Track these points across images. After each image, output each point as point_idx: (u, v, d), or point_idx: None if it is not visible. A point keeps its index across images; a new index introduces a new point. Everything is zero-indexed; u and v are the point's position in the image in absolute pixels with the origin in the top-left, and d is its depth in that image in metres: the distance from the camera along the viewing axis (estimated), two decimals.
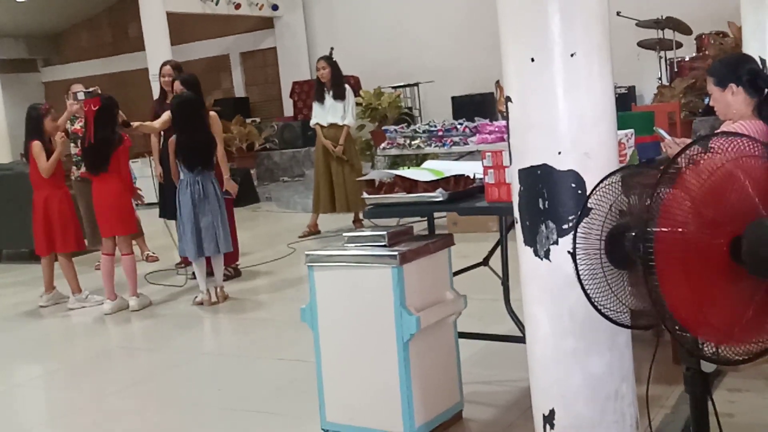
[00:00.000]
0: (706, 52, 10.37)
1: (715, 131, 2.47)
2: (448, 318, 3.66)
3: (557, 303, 2.59)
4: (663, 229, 2.07)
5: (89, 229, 7.89)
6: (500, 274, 3.99)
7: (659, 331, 2.73)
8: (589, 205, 2.30)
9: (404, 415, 3.40)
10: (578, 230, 2.30)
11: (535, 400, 2.74)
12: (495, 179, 3.55)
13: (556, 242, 2.55)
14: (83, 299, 6.91)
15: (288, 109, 14.99)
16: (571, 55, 2.48)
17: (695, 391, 2.42)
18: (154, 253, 8.66)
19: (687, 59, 10.61)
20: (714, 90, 3.78)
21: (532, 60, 2.50)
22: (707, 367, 2.35)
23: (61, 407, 4.81)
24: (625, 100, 9.96)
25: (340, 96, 8.71)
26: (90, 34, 17.88)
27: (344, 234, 3.64)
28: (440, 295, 3.61)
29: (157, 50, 11.86)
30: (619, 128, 2.82)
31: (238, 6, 14.04)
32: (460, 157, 6.63)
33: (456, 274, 3.84)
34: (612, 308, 2.31)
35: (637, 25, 10.56)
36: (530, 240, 2.61)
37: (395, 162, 9.10)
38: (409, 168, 4.40)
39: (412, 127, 6.66)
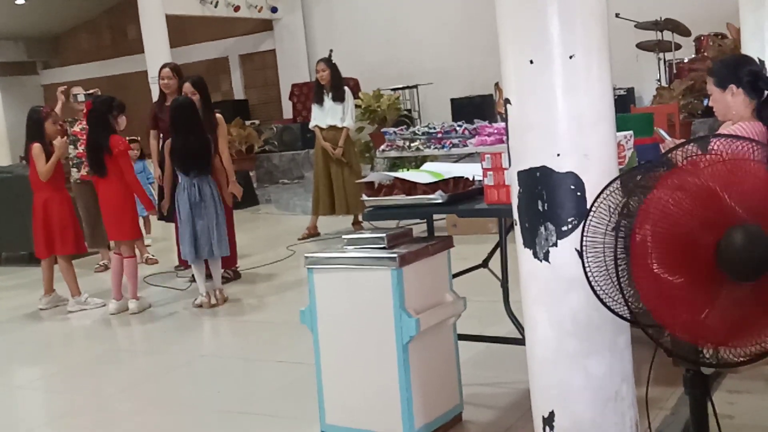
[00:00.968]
0: (705, 54, 10.38)
1: (714, 132, 2.48)
2: (448, 320, 3.65)
3: (557, 305, 2.59)
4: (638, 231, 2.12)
5: (89, 231, 7.89)
6: (500, 275, 3.99)
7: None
8: (597, 202, 2.31)
9: (404, 417, 3.40)
10: (587, 225, 2.30)
11: (534, 402, 2.74)
12: (494, 181, 3.55)
13: (555, 244, 2.55)
14: (83, 302, 6.90)
15: (287, 112, 15.00)
16: (570, 57, 2.48)
17: (695, 392, 2.42)
18: (153, 255, 8.66)
19: (686, 61, 10.62)
20: (714, 90, 3.77)
21: (531, 62, 2.50)
22: (707, 368, 2.36)
23: (61, 409, 4.81)
24: (624, 101, 9.98)
25: (339, 98, 8.72)
26: (89, 37, 17.89)
27: (344, 236, 3.63)
28: (440, 297, 3.61)
29: (157, 53, 11.86)
30: (618, 130, 2.82)
31: (237, 8, 14.05)
32: (460, 159, 6.62)
33: (455, 276, 3.84)
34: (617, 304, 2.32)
35: (636, 26, 10.57)
36: (529, 242, 2.61)
37: (394, 164, 9.10)
38: (408, 170, 4.40)
39: (412, 129, 6.65)
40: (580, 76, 2.50)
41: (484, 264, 4.46)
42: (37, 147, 6.64)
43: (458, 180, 3.87)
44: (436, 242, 3.63)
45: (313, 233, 9.07)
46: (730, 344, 2.17)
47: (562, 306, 2.58)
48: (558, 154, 2.51)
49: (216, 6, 13.68)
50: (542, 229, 2.56)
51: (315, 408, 3.64)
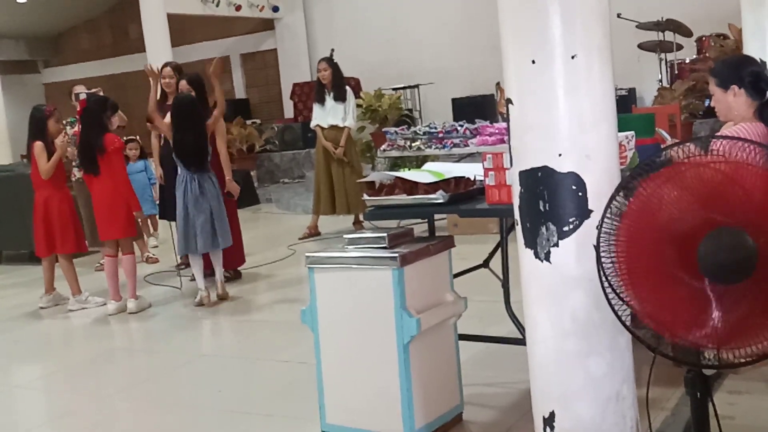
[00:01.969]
0: (707, 54, 10.38)
1: (714, 133, 2.49)
2: (449, 320, 3.65)
3: (557, 305, 2.59)
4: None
5: (89, 230, 7.88)
6: (500, 275, 3.99)
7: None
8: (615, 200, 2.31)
9: (404, 417, 3.40)
10: (604, 220, 2.30)
11: (535, 402, 2.74)
12: (495, 181, 3.55)
13: (556, 244, 2.55)
14: (83, 301, 6.90)
15: (288, 111, 15.00)
16: (572, 57, 2.48)
17: (696, 393, 2.42)
18: (154, 254, 8.66)
19: (687, 61, 10.62)
20: (716, 91, 3.76)
21: (533, 62, 2.50)
22: (708, 369, 2.36)
23: (61, 408, 4.81)
24: (625, 102, 9.97)
25: (340, 98, 8.71)
26: (90, 36, 17.89)
27: (345, 236, 3.63)
28: (440, 297, 3.61)
29: (158, 52, 11.84)
30: (620, 130, 2.81)
31: (238, 7, 14.06)
32: (461, 158, 6.61)
33: (456, 275, 3.84)
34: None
35: (637, 27, 10.56)
36: (530, 242, 2.61)
37: (396, 164, 9.09)
38: (409, 170, 4.39)
39: (413, 128, 6.64)
40: (582, 76, 2.50)
41: (485, 264, 4.46)
42: (38, 145, 6.64)
43: (459, 180, 3.87)
44: (437, 242, 3.63)
45: (313, 233, 9.07)
46: (730, 345, 2.17)
47: (562, 306, 2.58)
48: (559, 154, 2.51)
49: (217, 5, 13.68)
50: (543, 229, 2.56)
51: (315, 408, 3.64)
